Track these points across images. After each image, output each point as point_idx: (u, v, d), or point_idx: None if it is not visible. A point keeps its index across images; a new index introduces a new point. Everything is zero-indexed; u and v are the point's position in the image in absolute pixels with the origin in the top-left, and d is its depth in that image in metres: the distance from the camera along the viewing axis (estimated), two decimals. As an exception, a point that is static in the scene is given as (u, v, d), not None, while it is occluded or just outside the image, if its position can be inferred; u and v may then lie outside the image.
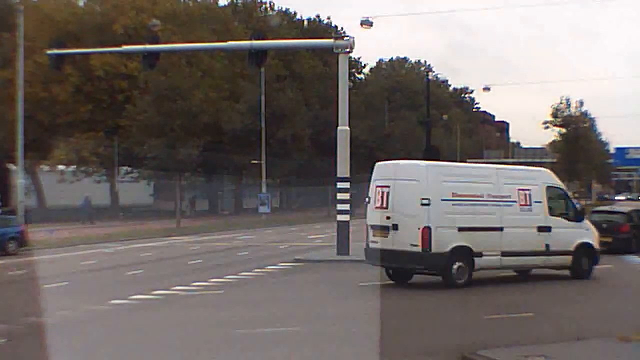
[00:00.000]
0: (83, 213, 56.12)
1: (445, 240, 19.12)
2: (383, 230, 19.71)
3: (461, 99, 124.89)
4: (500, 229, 19.96)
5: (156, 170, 56.62)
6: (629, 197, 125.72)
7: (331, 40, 29.71)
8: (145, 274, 23.80)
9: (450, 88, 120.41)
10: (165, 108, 51.28)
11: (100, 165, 63.03)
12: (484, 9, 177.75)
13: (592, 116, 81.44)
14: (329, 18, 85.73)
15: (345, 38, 29.59)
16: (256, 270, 24.16)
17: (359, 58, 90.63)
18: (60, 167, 64.61)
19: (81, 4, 69.12)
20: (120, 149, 60.13)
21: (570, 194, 24.01)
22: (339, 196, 27.65)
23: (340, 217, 27.46)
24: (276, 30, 67.47)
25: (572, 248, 21.48)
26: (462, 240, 19.31)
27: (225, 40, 44.00)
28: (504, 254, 20.06)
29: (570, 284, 20.93)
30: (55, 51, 31.11)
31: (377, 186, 20.08)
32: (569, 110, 72.01)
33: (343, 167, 27.46)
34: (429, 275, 20.28)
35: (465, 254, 19.33)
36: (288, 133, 63.59)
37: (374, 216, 20.10)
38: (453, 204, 19.33)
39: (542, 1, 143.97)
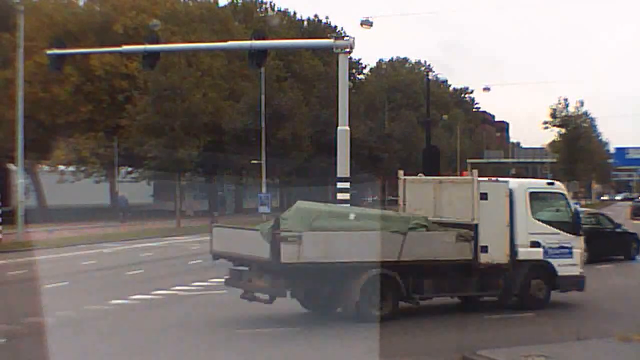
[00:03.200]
0: (124, 212, 57.61)
1: None
2: None
3: (461, 99, 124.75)
4: None
5: (156, 170, 56.60)
6: (628, 196, 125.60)
7: (331, 40, 29.63)
8: (145, 274, 23.79)
9: (450, 88, 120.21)
10: (165, 108, 51.23)
11: (100, 165, 63.02)
12: (482, 9, 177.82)
13: (592, 116, 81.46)
14: (327, 18, 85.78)
15: (345, 38, 29.53)
16: (256, 270, 24.10)
17: (359, 59, 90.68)
18: (60, 167, 64.60)
19: (81, 4, 69.10)
20: (120, 149, 60.12)
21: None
22: (339, 196, 27.58)
23: (340, 217, 27.39)
24: (276, 30, 67.42)
25: None
26: None
27: (225, 40, 43.95)
28: None
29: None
30: (55, 51, 31.01)
31: None
32: (567, 111, 71.88)
33: (343, 167, 27.41)
34: None
35: None
36: (288, 133, 63.54)
37: None
38: None
39: (540, 1, 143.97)
